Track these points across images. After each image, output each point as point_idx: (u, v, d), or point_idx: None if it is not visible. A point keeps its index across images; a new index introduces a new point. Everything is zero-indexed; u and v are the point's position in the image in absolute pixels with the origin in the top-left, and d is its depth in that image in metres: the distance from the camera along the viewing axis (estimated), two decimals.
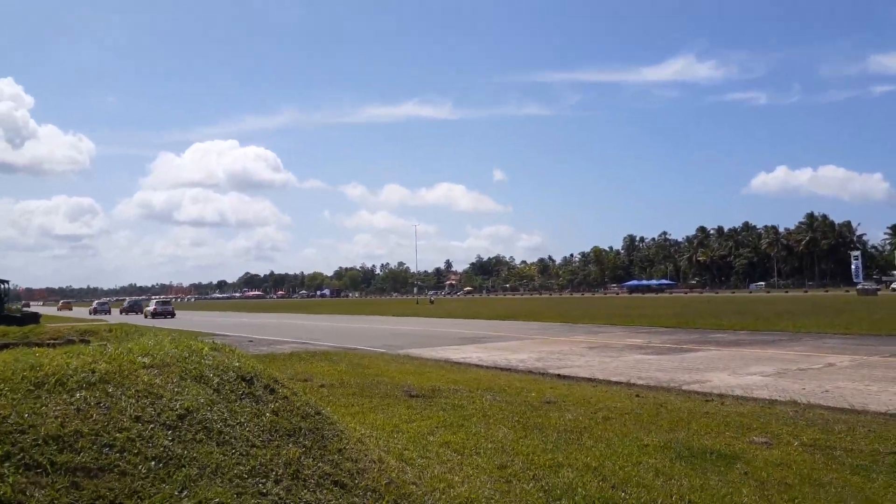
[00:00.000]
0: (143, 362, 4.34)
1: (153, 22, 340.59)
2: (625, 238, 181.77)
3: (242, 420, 4.14)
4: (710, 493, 4.87)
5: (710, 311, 38.12)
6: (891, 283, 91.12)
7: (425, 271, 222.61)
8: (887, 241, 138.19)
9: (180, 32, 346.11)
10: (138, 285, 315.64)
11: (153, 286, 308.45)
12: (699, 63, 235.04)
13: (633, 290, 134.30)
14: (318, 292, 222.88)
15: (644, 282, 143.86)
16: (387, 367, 13.42)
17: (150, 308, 52.95)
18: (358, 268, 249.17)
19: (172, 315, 50.44)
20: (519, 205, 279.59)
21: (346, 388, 10.30)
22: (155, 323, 35.61)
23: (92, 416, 3.56)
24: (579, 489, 4.94)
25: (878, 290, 78.84)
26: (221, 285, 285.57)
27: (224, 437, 3.88)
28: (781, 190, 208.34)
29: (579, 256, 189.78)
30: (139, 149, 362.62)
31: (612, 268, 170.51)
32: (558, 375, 12.29)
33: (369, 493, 4.13)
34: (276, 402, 4.56)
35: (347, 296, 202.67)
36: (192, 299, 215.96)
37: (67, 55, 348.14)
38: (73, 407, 3.57)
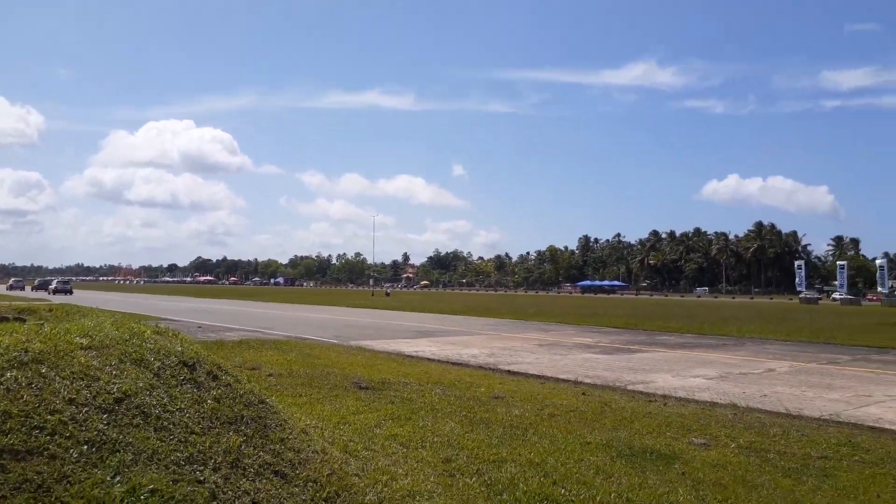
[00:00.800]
0: (81, 343, 4.21)
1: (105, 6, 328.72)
2: (580, 238, 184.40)
3: (182, 406, 4.05)
4: (648, 492, 4.97)
5: (658, 313, 38.94)
6: (832, 293, 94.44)
7: (382, 263, 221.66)
8: (830, 252, 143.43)
9: (139, 7, 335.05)
10: (85, 265, 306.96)
11: (100, 267, 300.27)
12: (660, 69, 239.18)
13: (585, 289, 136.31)
14: (272, 280, 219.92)
15: (597, 282, 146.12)
16: (338, 358, 13.33)
17: (52, 286, 64.36)
18: (313, 257, 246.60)
19: (70, 293, 60.05)
20: (478, 201, 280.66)
21: (294, 378, 10.19)
22: (60, 299, 35.17)
23: (22, 396, 3.44)
24: (521, 484, 4.99)
25: (820, 299, 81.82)
26: (172, 269, 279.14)
27: (162, 423, 3.79)
28: (732, 198, 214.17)
29: (535, 255, 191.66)
30: (91, 125, 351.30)
31: (566, 267, 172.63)
32: (508, 371, 12.39)
33: (310, 484, 4.10)
34: (219, 389, 4.48)
35: (302, 285, 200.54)
36: (142, 282, 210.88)
37: (19, 24, 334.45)
38: (2, 387, 3.44)
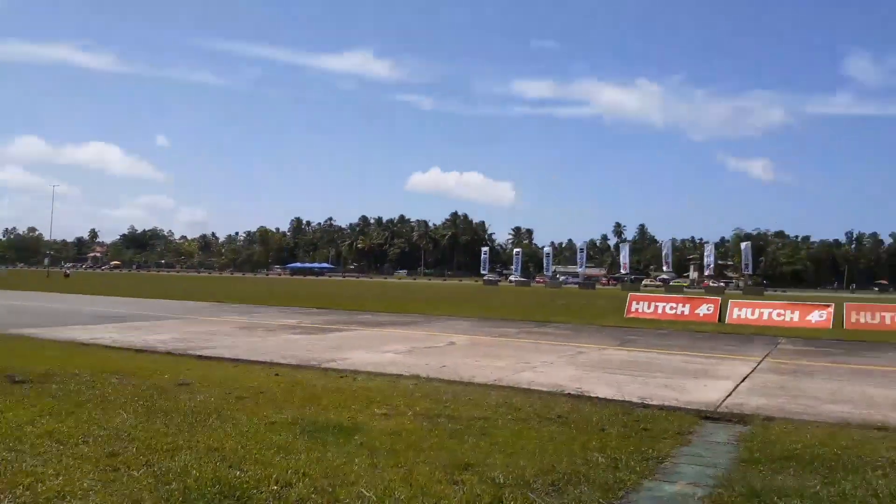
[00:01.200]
0: None
1: None
2: (292, 220, 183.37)
3: None
4: (325, 465, 5.11)
5: (361, 294, 40.47)
6: (509, 276, 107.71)
7: (63, 241, 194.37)
8: (510, 241, 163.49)
9: None
10: None
11: None
12: (377, 60, 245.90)
13: (295, 272, 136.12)
14: None
15: (307, 265, 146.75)
16: None
17: None
18: None
19: None
20: (183, 175, 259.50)
21: None
22: None
23: None
24: (193, 471, 4.77)
25: (499, 281, 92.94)
26: None
27: None
28: (434, 188, 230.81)
29: (244, 235, 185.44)
30: None
31: (277, 249, 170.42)
32: (200, 357, 11.77)
33: None
34: None
35: None
36: None
37: None
38: None
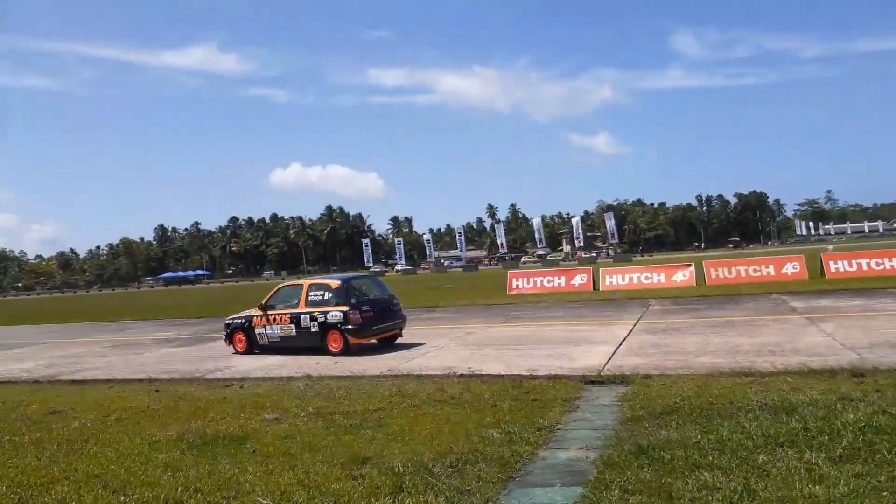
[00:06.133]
0: None
1: None
2: (156, 228, 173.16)
3: None
4: (217, 478, 4.96)
5: (240, 298, 39.05)
6: (395, 266, 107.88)
7: None
8: (389, 230, 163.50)
9: None
10: None
11: None
12: (222, 54, 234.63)
13: (169, 282, 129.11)
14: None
15: (181, 273, 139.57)
16: None
17: None
18: None
19: None
20: (23, 191, 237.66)
21: None
22: None
23: None
24: (73, 503, 4.48)
25: (386, 272, 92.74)
26: None
27: None
28: (297, 184, 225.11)
29: (107, 249, 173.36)
30: None
31: (144, 260, 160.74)
32: (72, 381, 11.01)
33: None
34: None
35: None
36: None
37: None
38: None
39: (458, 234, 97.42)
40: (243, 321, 13.71)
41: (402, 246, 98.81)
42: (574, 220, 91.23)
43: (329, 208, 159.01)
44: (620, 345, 10.94)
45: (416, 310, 21.50)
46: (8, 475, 5.27)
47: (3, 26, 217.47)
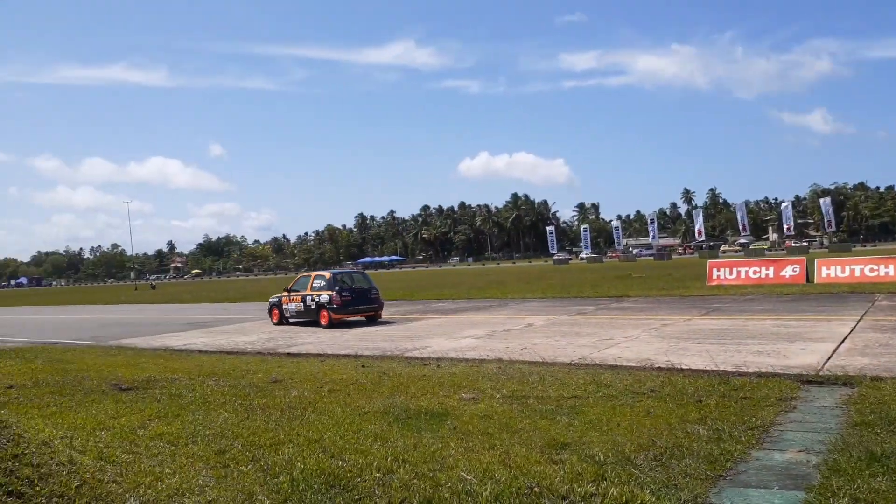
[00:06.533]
0: None
1: None
2: (356, 216, 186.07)
3: None
4: (422, 451, 5.18)
5: (433, 283, 40.76)
6: (579, 253, 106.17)
7: (145, 254, 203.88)
8: (575, 218, 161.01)
9: None
10: None
11: None
12: (419, 49, 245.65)
13: (366, 266, 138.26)
14: (13, 281, 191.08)
15: (377, 259, 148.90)
16: (94, 360, 12.05)
17: None
18: (62, 252, 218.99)
19: None
20: (243, 182, 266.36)
21: (41, 387, 9.03)
22: None
23: None
24: (298, 463, 4.92)
25: (570, 259, 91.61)
26: None
27: None
28: (484, 172, 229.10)
29: (314, 235, 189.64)
30: None
31: (346, 245, 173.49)
32: (288, 354, 12.14)
33: (55, 499, 3.64)
34: None
35: (51, 284, 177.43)
36: None
37: None
38: None
39: (649, 221, 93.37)
40: (278, 300, 18.89)
41: (587, 233, 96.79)
42: (784, 206, 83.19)
43: (514, 196, 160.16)
44: (842, 342, 9.81)
45: (604, 299, 20.99)
46: (242, 435, 5.92)
47: (232, 35, 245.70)
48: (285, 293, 18.60)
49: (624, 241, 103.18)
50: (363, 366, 9.88)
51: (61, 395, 8.31)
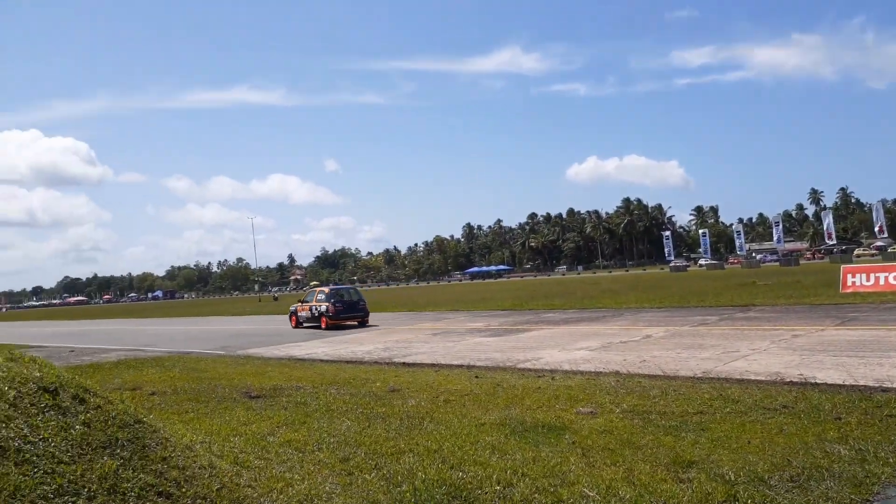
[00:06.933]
0: None
1: None
2: (464, 226, 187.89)
3: (46, 435, 3.73)
4: (542, 465, 5.13)
5: (542, 293, 40.35)
6: (698, 259, 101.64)
7: (267, 267, 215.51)
8: (692, 222, 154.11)
9: None
10: None
11: None
12: (525, 54, 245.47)
13: (474, 276, 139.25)
14: (150, 294, 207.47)
15: (484, 268, 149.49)
16: (225, 369, 12.83)
17: None
18: (192, 266, 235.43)
19: None
20: (356, 196, 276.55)
21: (179, 394, 9.72)
22: None
23: None
24: (419, 473, 5.01)
25: (688, 266, 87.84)
26: (37, 292, 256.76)
27: (24, 457, 3.47)
28: (593, 177, 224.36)
29: (423, 245, 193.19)
30: None
31: (454, 256, 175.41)
32: (403, 364, 12.40)
33: (198, 501, 3.90)
34: (88, 413, 4.16)
35: (183, 297, 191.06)
36: (3, 309, 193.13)
37: None
38: None
39: (773, 224, 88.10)
40: (295, 309, 25.14)
41: (706, 238, 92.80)
42: None
43: (626, 200, 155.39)
44: None
45: (727, 308, 19.98)
46: (364, 443, 6.10)
47: (344, 52, 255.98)
48: (300, 303, 24.82)
49: (746, 246, 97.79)
50: (476, 377, 9.93)
51: (198, 402, 8.89)
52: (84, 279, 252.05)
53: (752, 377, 8.54)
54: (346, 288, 26.72)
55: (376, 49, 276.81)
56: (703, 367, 9.65)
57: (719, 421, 6.31)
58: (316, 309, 23.61)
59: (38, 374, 4.28)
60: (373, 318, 26.32)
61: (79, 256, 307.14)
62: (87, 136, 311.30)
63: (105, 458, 3.80)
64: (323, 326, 23.02)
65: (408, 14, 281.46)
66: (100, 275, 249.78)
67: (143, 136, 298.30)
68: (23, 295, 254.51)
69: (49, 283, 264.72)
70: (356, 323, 23.67)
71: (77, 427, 3.94)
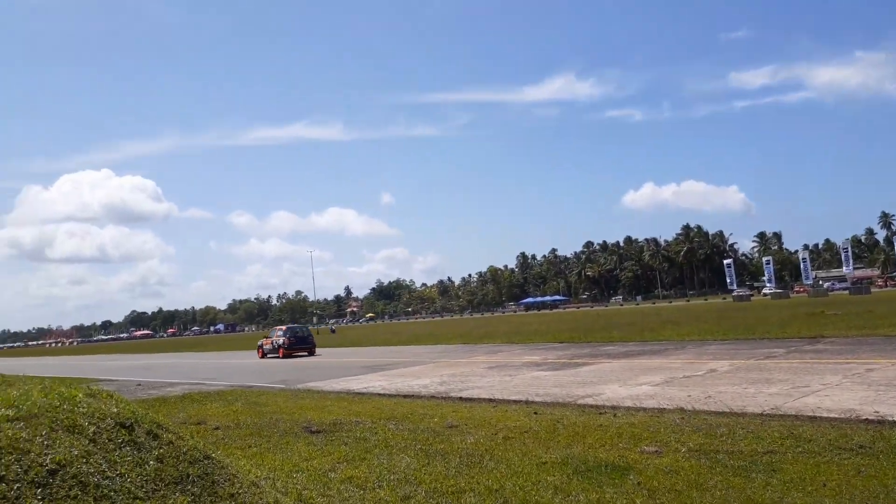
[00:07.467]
0: (7, 415, 3.97)
1: (4, 37, 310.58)
2: (518, 256, 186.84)
3: (123, 471, 3.87)
4: None
5: (600, 324, 39.67)
6: (762, 288, 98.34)
7: (325, 299, 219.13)
8: (755, 249, 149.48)
9: (41, 48, 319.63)
10: (12, 331, 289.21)
11: (29, 331, 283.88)
12: (579, 81, 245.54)
13: (529, 307, 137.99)
14: (212, 327, 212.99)
15: (539, 298, 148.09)
16: (286, 403, 13.03)
17: None
18: (253, 299, 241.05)
19: None
20: (410, 227, 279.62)
21: (242, 428, 9.91)
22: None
23: None
24: None
25: (751, 295, 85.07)
26: (106, 326, 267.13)
27: (102, 491, 3.61)
28: (650, 204, 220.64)
29: (476, 276, 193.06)
30: (1, 181, 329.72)
31: (508, 286, 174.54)
32: (461, 398, 12.35)
33: None
34: (160, 448, 4.30)
35: (244, 329, 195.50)
36: (75, 342, 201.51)
37: None
38: None
39: (841, 250, 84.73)
40: (262, 342, 33.17)
41: (770, 265, 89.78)
42: None
43: (686, 227, 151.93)
44: None
45: (795, 340, 19.26)
46: (425, 481, 6.09)
47: (399, 86, 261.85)
48: (265, 339, 33.41)
49: (813, 274, 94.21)
50: (535, 412, 9.80)
51: (260, 437, 9.05)
52: (150, 313, 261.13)
53: (825, 414, 8.18)
54: (298, 327, 35.14)
55: (430, 82, 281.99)
56: (772, 403, 9.29)
57: (791, 461, 6.06)
58: (276, 342, 31.60)
59: (115, 410, 4.46)
60: (427, 351, 26.32)
61: (145, 291, 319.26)
62: (154, 174, 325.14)
63: (177, 493, 3.92)
64: (280, 356, 30.90)
65: (460, 47, 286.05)
66: (165, 308, 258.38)
67: (207, 174, 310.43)
68: (92, 329, 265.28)
69: (117, 317, 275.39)
70: (306, 353, 31.30)
71: (151, 462, 4.08)
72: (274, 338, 31.95)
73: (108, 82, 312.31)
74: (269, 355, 31.78)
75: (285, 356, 30.35)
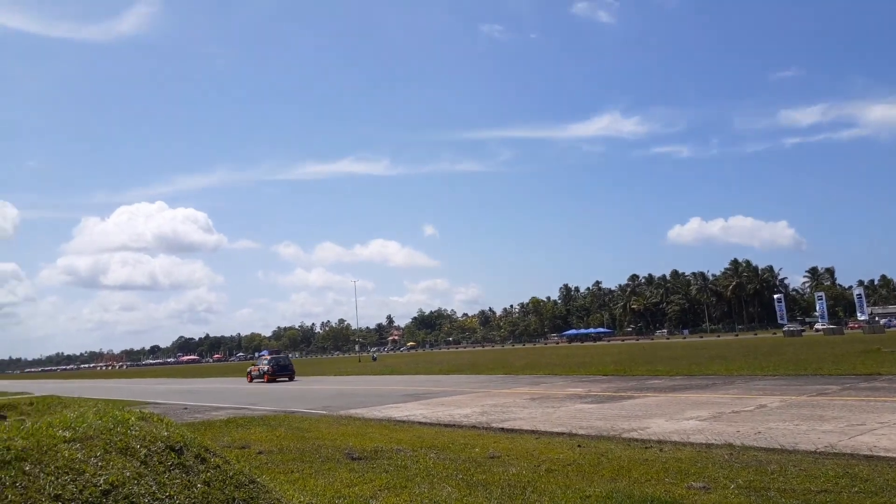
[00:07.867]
0: (64, 436, 4.12)
1: (70, 79, 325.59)
2: (560, 288, 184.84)
3: (172, 493, 3.96)
4: None
5: (645, 357, 38.89)
6: (814, 324, 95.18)
7: (367, 328, 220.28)
8: (806, 284, 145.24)
9: (101, 90, 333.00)
10: (66, 354, 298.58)
11: (81, 354, 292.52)
12: (625, 119, 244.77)
13: (572, 339, 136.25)
14: (256, 354, 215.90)
15: (582, 330, 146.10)
16: (328, 429, 13.10)
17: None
18: (296, 327, 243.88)
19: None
20: (450, 259, 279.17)
21: (285, 453, 9.99)
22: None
23: (7, 496, 3.35)
24: None
25: (803, 330, 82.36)
26: (154, 350, 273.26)
27: None
28: (696, 239, 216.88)
29: (518, 307, 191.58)
30: (64, 212, 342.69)
31: (550, 317, 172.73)
32: (502, 429, 12.23)
33: None
34: (208, 472, 4.39)
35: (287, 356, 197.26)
36: (124, 366, 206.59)
37: None
38: None
39: None
40: (250, 369, 39.94)
41: (823, 301, 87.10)
42: None
43: (735, 262, 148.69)
44: None
45: (850, 377, 18.57)
46: None
47: (445, 124, 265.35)
48: (253, 366, 40.39)
49: (868, 310, 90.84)
50: (579, 445, 9.64)
51: (302, 462, 9.12)
52: (196, 339, 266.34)
53: (882, 454, 7.85)
54: (281, 356, 42.06)
55: (476, 119, 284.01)
56: (826, 440, 8.96)
57: (847, 502, 5.84)
58: (262, 369, 37.85)
59: (165, 434, 4.58)
60: (468, 380, 26.17)
61: (193, 317, 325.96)
62: (206, 206, 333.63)
63: None
64: (265, 381, 36.57)
65: (507, 84, 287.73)
66: (211, 335, 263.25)
67: (256, 206, 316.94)
68: (141, 353, 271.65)
69: (165, 342, 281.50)
70: (286, 378, 37.20)
71: (199, 486, 4.17)
72: (260, 365, 38.56)
73: (166, 120, 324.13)
74: (255, 380, 37.91)
75: (269, 381, 36.42)
